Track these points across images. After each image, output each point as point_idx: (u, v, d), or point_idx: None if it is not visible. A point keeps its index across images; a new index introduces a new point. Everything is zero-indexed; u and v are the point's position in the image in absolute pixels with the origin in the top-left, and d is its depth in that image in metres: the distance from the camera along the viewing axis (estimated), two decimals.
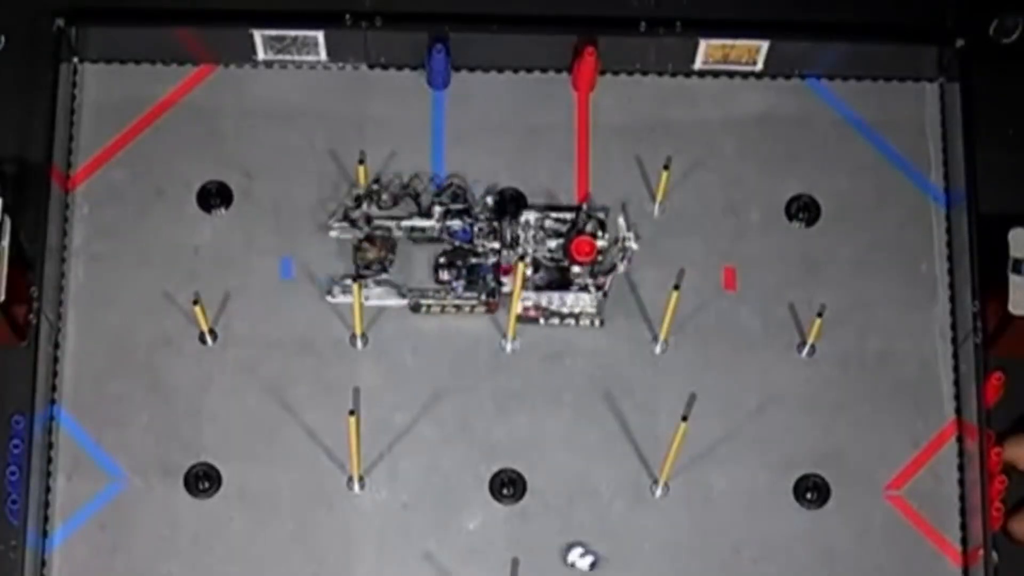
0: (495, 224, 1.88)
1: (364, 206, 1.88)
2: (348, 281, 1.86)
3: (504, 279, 1.87)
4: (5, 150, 1.91)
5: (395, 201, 1.89)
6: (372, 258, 1.87)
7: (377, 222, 1.88)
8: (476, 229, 1.88)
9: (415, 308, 1.87)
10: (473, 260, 1.88)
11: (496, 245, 1.87)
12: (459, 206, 1.88)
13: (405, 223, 1.88)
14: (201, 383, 1.87)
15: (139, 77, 1.96)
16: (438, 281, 1.87)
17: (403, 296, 1.87)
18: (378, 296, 1.87)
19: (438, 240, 1.89)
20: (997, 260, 1.81)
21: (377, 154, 1.93)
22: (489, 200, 1.89)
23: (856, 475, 1.86)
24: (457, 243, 1.87)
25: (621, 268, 1.86)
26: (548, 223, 1.88)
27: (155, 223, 1.92)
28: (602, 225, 1.88)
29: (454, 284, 1.86)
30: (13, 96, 1.92)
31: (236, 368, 1.87)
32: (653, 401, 1.87)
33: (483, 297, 1.86)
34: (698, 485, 1.85)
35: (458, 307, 1.87)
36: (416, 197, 1.89)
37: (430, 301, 1.86)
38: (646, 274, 1.91)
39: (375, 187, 1.89)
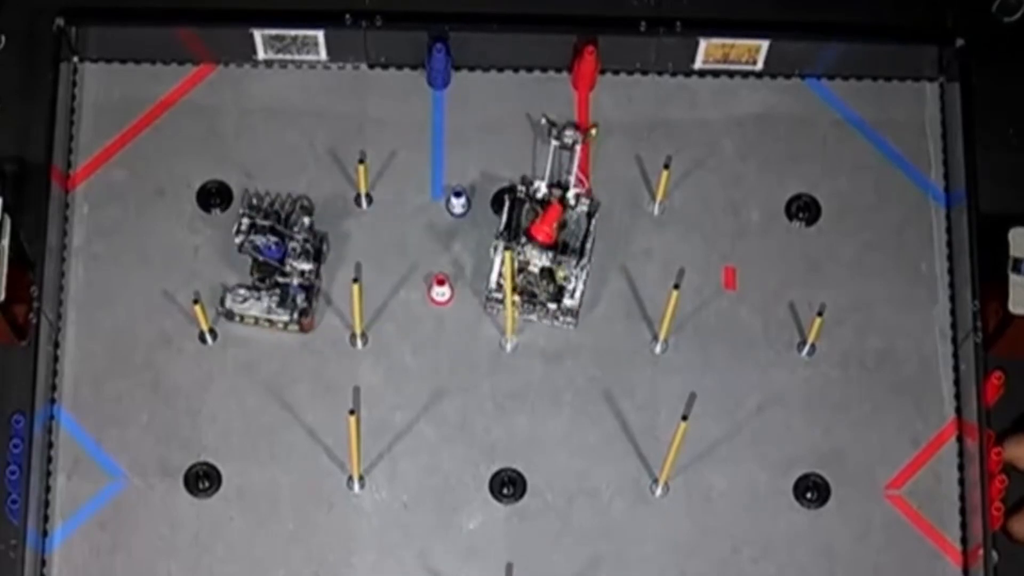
0: (308, 246, 1.86)
1: (246, 219, 1.87)
2: (241, 291, 1.86)
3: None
4: (5, 150, 1.91)
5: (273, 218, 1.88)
6: (261, 274, 1.87)
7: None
8: (289, 248, 1.85)
9: (229, 316, 1.87)
10: (280, 279, 1.86)
11: (308, 266, 1.85)
12: (266, 222, 1.86)
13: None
14: (201, 383, 1.87)
15: (139, 77, 1.96)
16: (249, 290, 1.87)
17: (290, 313, 1.85)
18: (265, 311, 1.86)
19: (243, 254, 1.87)
20: (997, 260, 1.82)
21: (377, 153, 1.93)
22: (307, 220, 1.86)
23: (856, 475, 1.86)
24: (262, 259, 1.86)
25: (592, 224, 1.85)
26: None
27: (155, 223, 1.92)
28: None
29: (266, 301, 1.85)
30: (13, 96, 1.92)
31: (236, 368, 1.87)
32: (653, 401, 1.87)
33: (294, 316, 1.85)
34: (698, 485, 1.85)
35: (271, 322, 1.86)
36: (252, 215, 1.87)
37: (244, 312, 1.85)
38: (646, 274, 1.91)
39: (254, 201, 1.89)
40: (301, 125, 1.95)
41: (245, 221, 1.87)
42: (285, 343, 1.88)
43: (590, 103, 1.96)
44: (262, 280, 1.86)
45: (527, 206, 1.88)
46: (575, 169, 1.88)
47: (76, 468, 1.84)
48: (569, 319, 1.88)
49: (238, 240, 1.86)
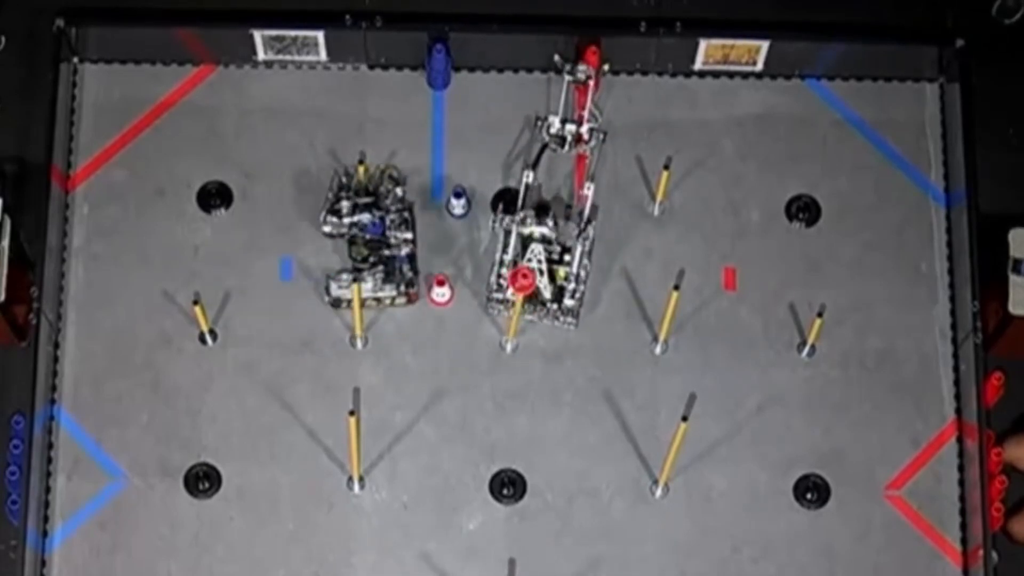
0: (405, 214, 1.86)
1: (347, 200, 1.87)
2: (344, 276, 1.86)
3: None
4: (5, 150, 1.91)
5: (336, 202, 1.88)
6: (367, 253, 1.87)
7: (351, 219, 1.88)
8: (388, 221, 1.86)
9: (335, 304, 1.87)
10: (387, 252, 1.87)
11: (409, 235, 1.86)
12: (365, 200, 1.87)
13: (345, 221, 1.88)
14: (201, 383, 1.87)
15: (139, 77, 1.96)
16: (355, 272, 1.87)
17: (397, 286, 1.86)
18: (372, 289, 1.86)
19: (350, 237, 1.88)
20: (997, 260, 1.82)
21: (377, 154, 1.94)
22: (399, 191, 1.87)
23: (856, 475, 1.86)
24: (368, 237, 1.87)
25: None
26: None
27: (155, 223, 1.92)
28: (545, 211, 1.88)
29: (367, 279, 1.85)
30: (13, 96, 1.92)
31: (236, 368, 1.87)
32: (653, 401, 1.87)
33: (402, 288, 1.86)
34: (698, 485, 1.85)
35: (378, 300, 1.86)
36: (340, 195, 1.88)
37: (351, 297, 1.85)
38: (646, 274, 1.91)
39: (344, 179, 1.89)
40: (301, 125, 1.95)
41: (345, 204, 1.87)
42: (285, 343, 1.88)
43: (595, 112, 1.96)
44: (364, 260, 1.86)
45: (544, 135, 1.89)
46: (588, 104, 1.88)
47: (76, 468, 1.84)
48: (570, 319, 1.88)
49: (331, 228, 1.86)
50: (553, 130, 1.91)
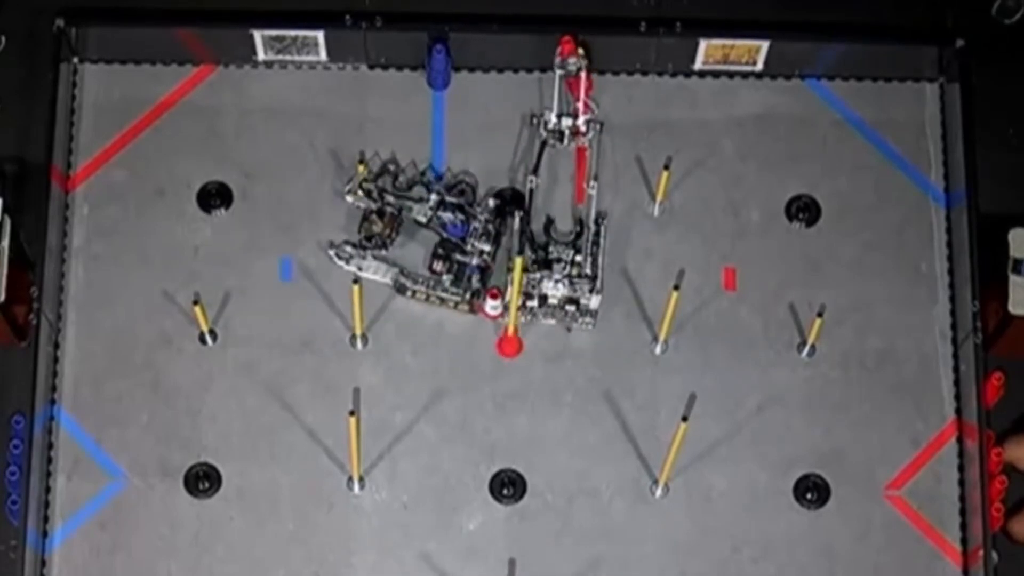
0: (490, 227, 1.87)
1: (380, 181, 1.88)
2: (347, 248, 1.86)
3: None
4: (5, 150, 1.91)
5: (409, 186, 1.89)
6: (376, 232, 1.87)
7: (390, 198, 1.88)
8: (472, 228, 1.87)
9: (400, 289, 1.87)
10: (460, 258, 1.87)
11: (488, 248, 1.87)
12: (455, 200, 1.87)
13: (416, 207, 1.88)
14: (201, 383, 1.87)
15: (139, 77, 1.96)
16: (430, 270, 1.87)
17: (393, 275, 1.86)
18: (371, 271, 1.87)
19: (429, 228, 1.88)
20: (997, 260, 1.82)
21: (377, 154, 1.93)
22: (491, 203, 1.89)
23: (856, 475, 1.85)
24: (445, 236, 1.87)
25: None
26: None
27: (155, 223, 1.92)
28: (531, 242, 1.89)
29: (443, 277, 1.86)
30: (13, 96, 1.92)
31: (236, 368, 1.87)
32: (653, 401, 1.87)
33: (467, 296, 1.86)
34: (698, 485, 1.85)
35: (442, 300, 1.87)
36: (428, 185, 1.88)
37: (417, 287, 1.86)
38: (646, 274, 1.91)
39: (392, 167, 1.89)
40: (301, 125, 1.95)
41: (434, 197, 1.87)
42: (285, 343, 1.88)
43: (590, 104, 1.96)
44: (371, 238, 1.87)
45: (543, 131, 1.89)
46: (582, 96, 1.88)
47: (76, 468, 1.84)
48: (588, 319, 1.87)
49: (414, 215, 1.87)
50: (550, 126, 1.91)
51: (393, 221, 1.88)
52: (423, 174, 1.90)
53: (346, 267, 1.86)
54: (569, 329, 1.88)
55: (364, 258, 1.87)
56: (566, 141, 1.92)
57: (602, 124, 1.91)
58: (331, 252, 1.87)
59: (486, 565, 1.82)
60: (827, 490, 1.85)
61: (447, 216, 1.87)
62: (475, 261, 1.87)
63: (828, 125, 1.96)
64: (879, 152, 1.95)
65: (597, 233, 1.87)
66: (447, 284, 1.86)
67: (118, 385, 1.87)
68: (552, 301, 1.87)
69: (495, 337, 1.89)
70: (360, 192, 1.87)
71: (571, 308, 1.87)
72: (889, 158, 1.95)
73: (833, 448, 1.86)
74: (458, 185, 1.90)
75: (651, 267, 1.91)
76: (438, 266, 1.87)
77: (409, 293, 1.87)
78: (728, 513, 1.84)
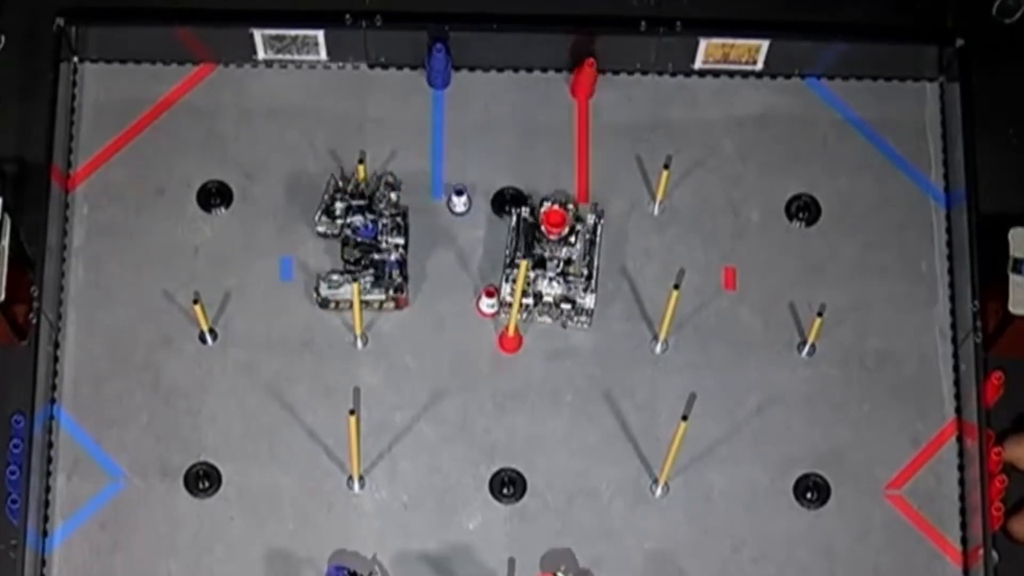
0: (398, 220, 1.87)
1: (341, 202, 1.87)
2: (334, 277, 1.86)
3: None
4: (5, 150, 1.91)
5: (332, 203, 1.88)
6: (359, 255, 1.87)
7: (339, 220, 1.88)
8: (380, 225, 1.87)
9: (323, 304, 1.87)
10: (376, 256, 1.87)
11: (401, 240, 1.86)
12: (360, 202, 1.87)
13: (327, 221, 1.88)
14: (201, 383, 1.87)
15: (139, 77, 1.96)
16: (346, 271, 1.87)
17: (386, 290, 1.86)
18: (364, 293, 1.86)
19: (343, 238, 1.87)
20: (997, 260, 1.82)
21: (377, 153, 1.94)
22: (393, 196, 1.88)
23: (856, 475, 1.86)
24: (360, 239, 1.86)
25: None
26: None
27: (155, 223, 1.92)
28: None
29: (362, 282, 1.85)
30: (13, 96, 1.92)
31: (236, 368, 1.87)
32: (653, 401, 1.87)
33: (391, 293, 1.86)
34: (698, 485, 1.85)
35: (367, 303, 1.86)
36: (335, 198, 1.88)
37: (339, 297, 1.85)
38: (646, 274, 1.91)
39: (340, 183, 1.89)
40: (301, 125, 1.95)
41: (339, 205, 1.87)
42: (285, 343, 1.88)
43: (590, 104, 1.96)
44: (356, 262, 1.86)
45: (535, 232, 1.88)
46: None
47: (76, 468, 1.84)
48: (584, 318, 1.87)
49: (324, 228, 1.86)
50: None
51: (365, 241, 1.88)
52: (337, 189, 1.89)
53: (340, 294, 1.85)
54: (564, 326, 1.88)
55: (350, 283, 1.85)
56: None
57: (598, 216, 1.88)
58: (322, 287, 1.86)
59: (486, 565, 1.82)
60: (827, 490, 1.85)
61: (357, 220, 1.86)
62: (393, 256, 1.86)
63: (828, 125, 1.96)
64: (879, 152, 1.95)
65: (594, 232, 1.87)
66: (368, 287, 1.86)
67: (118, 385, 1.87)
68: (547, 299, 1.86)
69: (495, 337, 1.88)
70: (325, 218, 1.87)
71: (566, 307, 1.87)
72: (889, 158, 1.95)
73: (833, 448, 1.86)
74: (350, 186, 1.89)
75: (651, 267, 1.91)
76: (351, 272, 1.86)
77: (333, 306, 1.86)
78: (728, 513, 1.84)
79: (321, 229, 1.88)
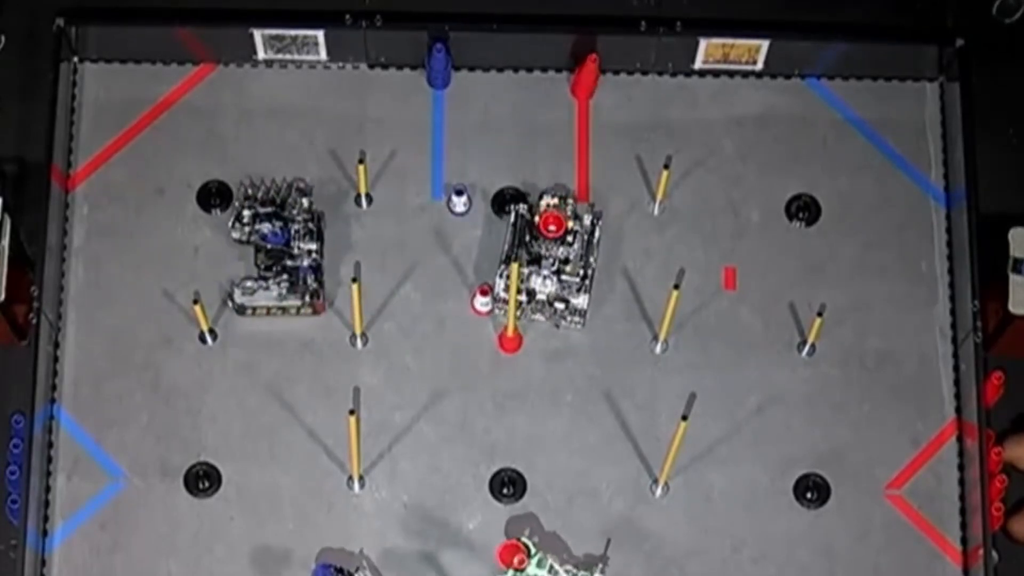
0: (311, 225, 1.86)
1: (248, 209, 1.87)
2: (248, 283, 1.86)
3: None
4: (5, 150, 1.91)
5: (277, 204, 1.88)
6: (270, 261, 1.86)
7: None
8: (293, 231, 1.86)
9: (240, 310, 1.86)
10: (289, 263, 1.86)
11: (314, 245, 1.86)
12: (267, 209, 1.87)
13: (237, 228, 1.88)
14: (201, 383, 1.87)
15: (139, 77, 1.96)
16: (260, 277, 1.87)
17: (301, 296, 1.85)
18: (276, 298, 1.86)
19: (251, 244, 1.87)
20: (997, 260, 1.81)
21: (377, 153, 1.94)
22: (305, 201, 1.87)
23: (856, 475, 1.86)
24: (270, 246, 1.86)
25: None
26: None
27: (155, 223, 1.92)
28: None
29: (279, 286, 1.85)
30: (13, 96, 1.92)
31: (236, 368, 1.87)
32: (653, 401, 1.87)
33: (307, 299, 1.86)
34: (698, 485, 1.85)
35: (284, 309, 1.86)
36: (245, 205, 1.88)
37: (255, 304, 1.85)
38: (646, 274, 1.91)
39: (250, 191, 1.89)
40: (301, 125, 1.95)
41: (247, 213, 1.87)
42: (285, 343, 1.88)
43: (590, 104, 1.96)
44: (268, 268, 1.85)
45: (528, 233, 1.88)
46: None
47: (76, 468, 1.84)
48: (577, 319, 1.87)
49: (237, 234, 1.86)
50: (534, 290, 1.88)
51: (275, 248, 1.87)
52: (247, 196, 1.89)
53: (255, 300, 1.85)
54: (557, 326, 1.88)
55: (267, 289, 1.85)
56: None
57: (595, 218, 1.88)
58: (236, 293, 1.85)
59: (486, 565, 1.82)
60: (827, 490, 1.85)
61: (265, 227, 1.86)
62: (306, 262, 1.86)
63: (828, 125, 1.96)
64: (879, 152, 1.95)
65: (591, 232, 1.87)
66: (284, 292, 1.85)
67: (118, 385, 1.87)
68: (540, 297, 1.86)
69: (495, 337, 1.88)
70: (237, 224, 1.87)
71: (560, 306, 1.87)
72: (889, 158, 1.95)
73: (833, 448, 1.86)
74: (259, 193, 1.88)
75: (651, 267, 1.91)
76: (266, 278, 1.86)
77: (250, 312, 1.86)
78: (728, 513, 1.84)
79: (235, 236, 1.87)
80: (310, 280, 1.86)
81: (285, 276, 1.86)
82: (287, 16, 1.94)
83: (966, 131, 1.90)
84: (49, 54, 1.92)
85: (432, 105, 1.96)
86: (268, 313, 1.86)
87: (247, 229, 1.86)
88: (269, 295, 1.85)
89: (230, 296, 1.86)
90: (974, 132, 1.90)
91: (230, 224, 1.87)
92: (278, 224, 1.86)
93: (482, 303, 1.88)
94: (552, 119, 1.95)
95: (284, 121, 1.95)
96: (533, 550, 1.77)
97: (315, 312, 1.87)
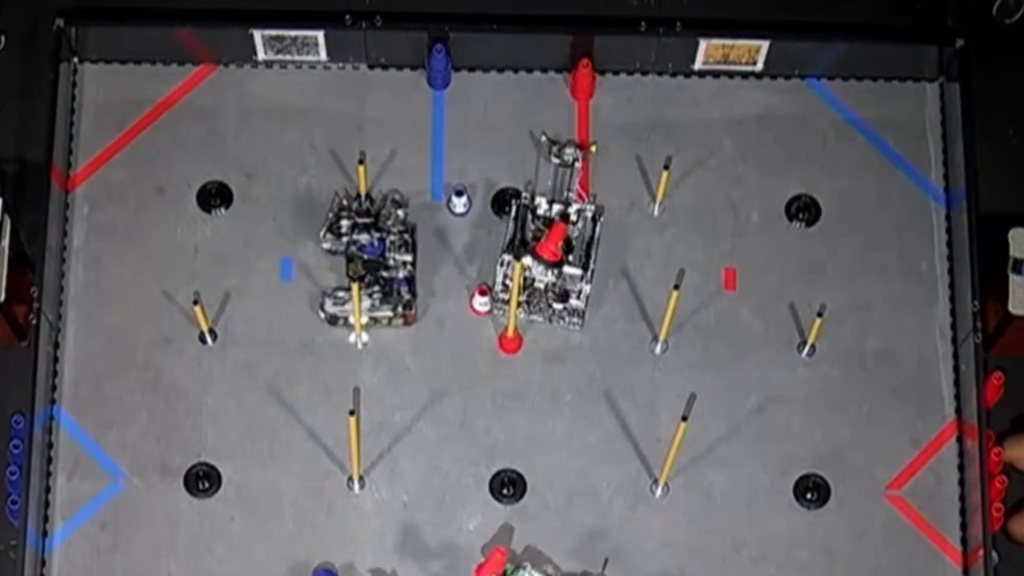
0: (405, 237, 1.87)
1: (346, 220, 1.87)
2: (340, 293, 1.86)
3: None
4: (5, 150, 1.91)
5: (337, 220, 1.88)
6: (364, 272, 1.86)
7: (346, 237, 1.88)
8: (388, 242, 1.86)
9: (332, 321, 1.87)
10: (384, 274, 1.86)
11: (408, 257, 1.86)
12: (365, 220, 1.87)
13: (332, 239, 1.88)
14: (201, 383, 1.87)
15: (139, 77, 1.96)
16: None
17: (394, 307, 1.86)
18: (369, 308, 1.86)
19: (347, 255, 1.87)
20: (997, 260, 1.82)
21: (377, 154, 1.94)
22: (400, 213, 1.88)
23: (856, 475, 1.85)
24: (367, 257, 1.86)
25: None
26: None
27: (155, 223, 1.92)
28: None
29: (371, 298, 1.85)
30: (13, 96, 1.92)
31: (236, 368, 1.87)
32: (653, 401, 1.87)
33: (399, 310, 1.86)
34: (698, 485, 1.85)
35: (376, 320, 1.86)
36: (341, 215, 1.88)
37: (346, 314, 1.85)
38: (646, 274, 1.91)
39: (344, 202, 1.89)
40: (301, 125, 1.95)
41: (345, 223, 1.87)
42: (285, 343, 1.88)
43: (590, 105, 1.96)
44: (360, 279, 1.85)
45: (530, 218, 1.87)
46: (575, 186, 1.88)
47: (76, 468, 1.84)
48: (575, 319, 1.88)
49: (329, 245, 1.86)
50: (540, 211, 1.88)
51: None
52: (342, 207, 1.88)
53: (347, 311, 1.85)
54: (550, 320, 1.87)
55: (362, 299, 1.85)
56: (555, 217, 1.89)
57: (599, 212, 1.88)
58: (327, 304, 1.86)
59: None
60: (827, 490, 1.85)
61: (363, 238, 1.86)
62: (401, 274, 1.86)
63: (828, 125, 1.96)
64: (879, 152, 1.95)
65: (593, 232, 1.87)
66: (377, 303, 1.85)
67: (118, 385, 1.87)
68: (539, 285, 1.85)
69: (495, 337, 1.89)
70: (330, 235, 1.87)
71: (558, 307, 1.87)
72: (889, 158, 1.95)
73: (833, 448, 1.86)
74: (355, 204, 1.88)
75: (651, 267, 1.91)
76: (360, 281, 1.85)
77: (341, 322, 1.86)
78: (728, 513, 1.84)
79: (327, 246, 1.88)
80: (403, 291, 1.86)
81: (377, 286, 1.86)
82: (287, 17, 1.94)
83: (966, 131, 1.90)
84: (49, 54, 1.92)
85: (432, 105, 1.97)
86: (361, 321, 1.86)
87: (344, 240, 1.86)
88: (363, 305, 1.84)
89: (321, 307, 1.86)
90: (974, 132, 1.90)
91: (322, 234, 1.87)
92: (376, 236, 1.86)
93: (480, 303, 1.88)
94: (552, 119, 1.95)
95: (284, 121, 1.95)
96: (510, 568, 1.77)
97: (406, 323, 1.87)
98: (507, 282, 1.86)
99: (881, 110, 1.97)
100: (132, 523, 1.83)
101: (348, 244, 1.87)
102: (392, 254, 1.87)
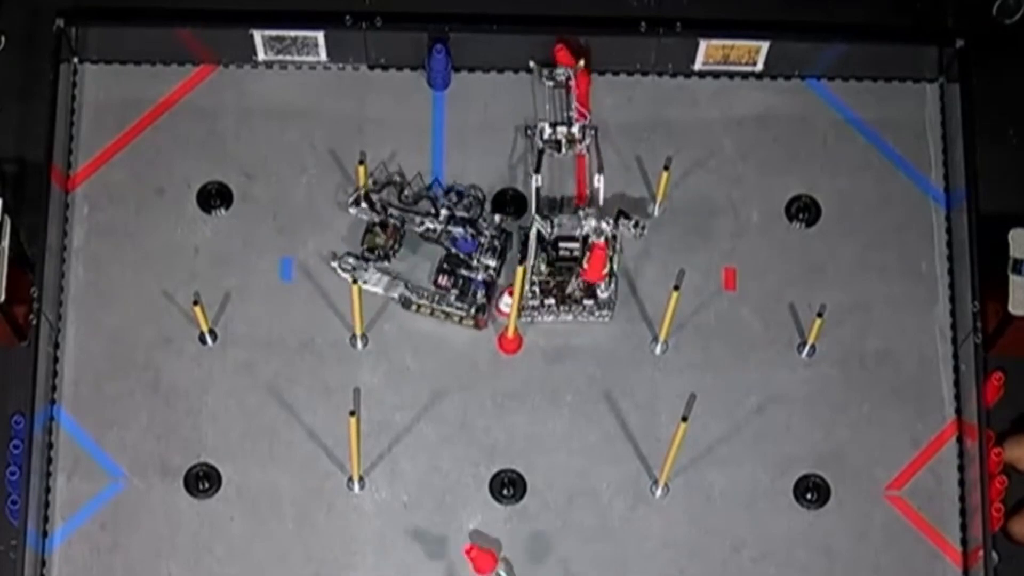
0: (495, 242, 1.87)
1: (385, 193, 1.87)
2: (350, 259, 1.86)
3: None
4: (5, 150, 1.91)
5: (416, 199, 1.89)
6: (379, 244, 1.87)
7: (394, 211, 1.87)
8: (480, 242, 1.87)
9: (406, 304, 1.87)
10: (466, 273, 1.87)
11: (493, 263, 1.87)
12: (466, 215, 1.87)
13: (423, 220, 1.88)
14: (201, 383, 1.87)
15: (139, 77, 1.96)
16: (435, 284, 1.87)
17: (396, 288, 1.86)
18: (373, 283, 1.86)
19: (438, 242, 1.88)
20: (997, 260, 1.82)
21: (377, 154, 1.94)
22: (497, 218, 1.88)
23: (856, 475, 1.86)
24: (454, 251, 1.87)
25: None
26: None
27: (155, 223, 1.92)
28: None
29: (450, 292, 1.86)
30: (13, 96, 1.92)
31: (236, 368, 1.87)
32: (653, 401, 1.87)
33: (472, 311, 1.86)
34: (698, 485, 1.85)
35: (447, 314, 1.86)
36: (435, 200, 1.88)
37: (422, 301, 1.86)
38: (646, 274, 1.91)
39: (398, 179, 1.89)
40: (301, 125, 1.95)
41: (444, 212, 1.87)
42: (285, 343, 1.88)
43: (590, 103, 1.96)
44: (373, 250, 1.86)
45: (537, 136, 1.89)
46: (574, 104, 1.88)
47: (76, 468, 1.84)
48: (605, 312, 1.87)
49: (420, 228, 1.87)
50: (546, 135, 1.90)
51: (396, 233, 1.88)
52: (429, 187, 1.90)
53: (349, 279, 1.85)
54: (577, 316, 1.87)
55: (367, 270, 1.86)
56: (564, 150, 1.91)
57: (596, 129, 1.91)
58: (334, 264, 1.87)
59: None
60: (827, 490, 1.85)
61: (458, 231, 1.87)
62: (480, 276, 1.87)
63: (828, 125, 1.96)
64: (879, 152, 1.95)
65: (616, 226, 1.87)
66: (452, 299, 1.86)
67: (118, 385, 1.87)
68: (570, 290, 1.86)
69: (495, 337, 1.88)
70: (364, 204, 1.87)
71: (588, 302, 1.87)
72: (889, 158, 1.95)
73: (833, 448, 1.86)
74: (464, 199, 1.89)
75: (651, 267, 1.91)
76: (444, 281, 1.87)
77: (414, 307, 1.87)
78: (728, 513, 1.84)
79: (353, 211, 1.88)
80: (480, 295, 1.86)
81: (456, 285, 1.87)
82: (287, 17, 1.94)
83: (966, 131, 1.90)
84: (49, 54, 1.92)
85: (432, 106, 1.96)
86: (431, 314, 1.86)
87: (440, 227, 1.87)
88: (370, 280, 1.86)
89: (406, 288, 1.87)
90: (974, 132, 1.91)
91: (420, 221, 1.87)
92: (470, 232, 1.86)
93: (507, 304, 1.87)
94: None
95: (284, 121, 1.95)
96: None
97: (476, 326, 1.87)
98: (534, 288, 1.86)
99: (881, 110, 1.97)
100: (132, 523, 1.83)
101: (441, 232, 1.87)
102: (479, 255, 1.88)
